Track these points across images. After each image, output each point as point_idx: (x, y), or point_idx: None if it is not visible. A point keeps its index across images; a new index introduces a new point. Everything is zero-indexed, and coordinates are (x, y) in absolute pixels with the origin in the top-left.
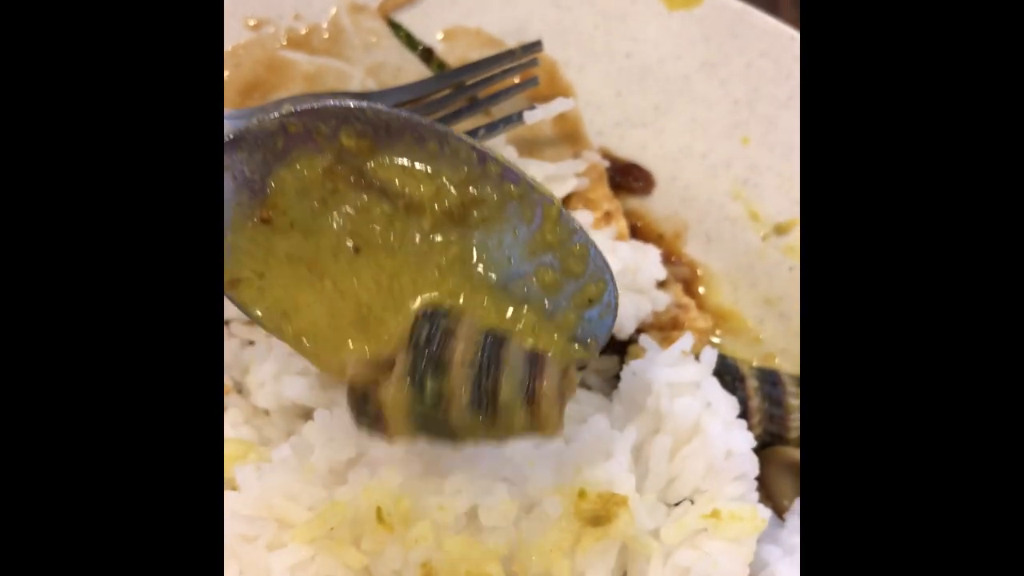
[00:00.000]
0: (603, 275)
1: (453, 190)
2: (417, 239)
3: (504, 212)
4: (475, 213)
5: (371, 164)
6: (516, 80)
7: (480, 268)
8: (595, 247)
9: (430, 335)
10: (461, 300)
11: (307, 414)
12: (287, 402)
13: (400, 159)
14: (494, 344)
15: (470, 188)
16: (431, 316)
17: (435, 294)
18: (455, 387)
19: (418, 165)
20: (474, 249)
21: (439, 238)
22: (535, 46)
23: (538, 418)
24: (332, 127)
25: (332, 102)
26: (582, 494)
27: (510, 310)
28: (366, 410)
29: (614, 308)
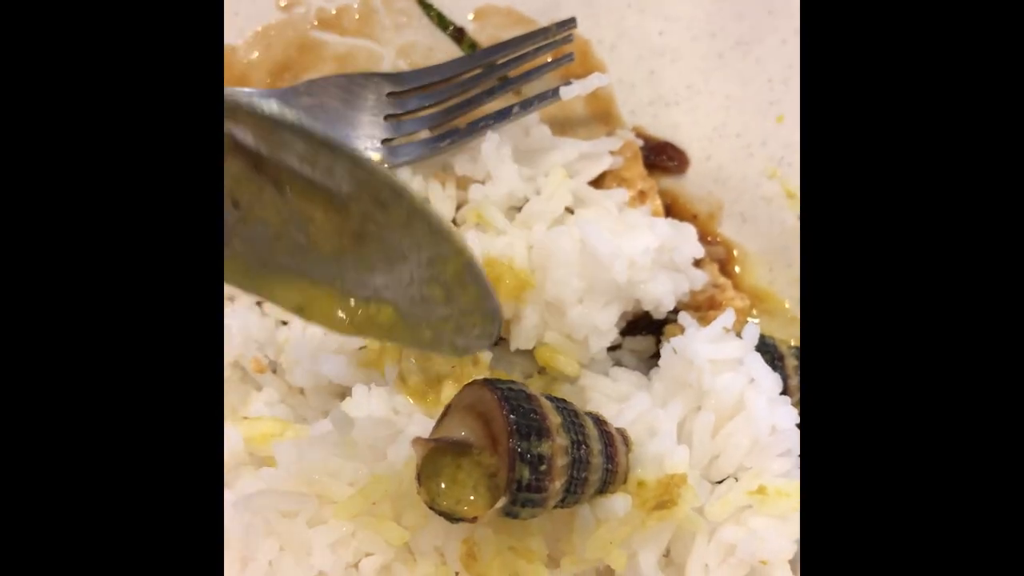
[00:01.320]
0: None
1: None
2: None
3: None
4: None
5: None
6: (549, 59)
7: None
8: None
9: (530, 478)
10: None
11: (342, 393)
12: (323, 380)
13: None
14: (580, 444)
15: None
16: (526, 446)
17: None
18: (552, 496)
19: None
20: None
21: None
22: (569, 23)
23: (615, 486)
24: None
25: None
26: (642, 484)
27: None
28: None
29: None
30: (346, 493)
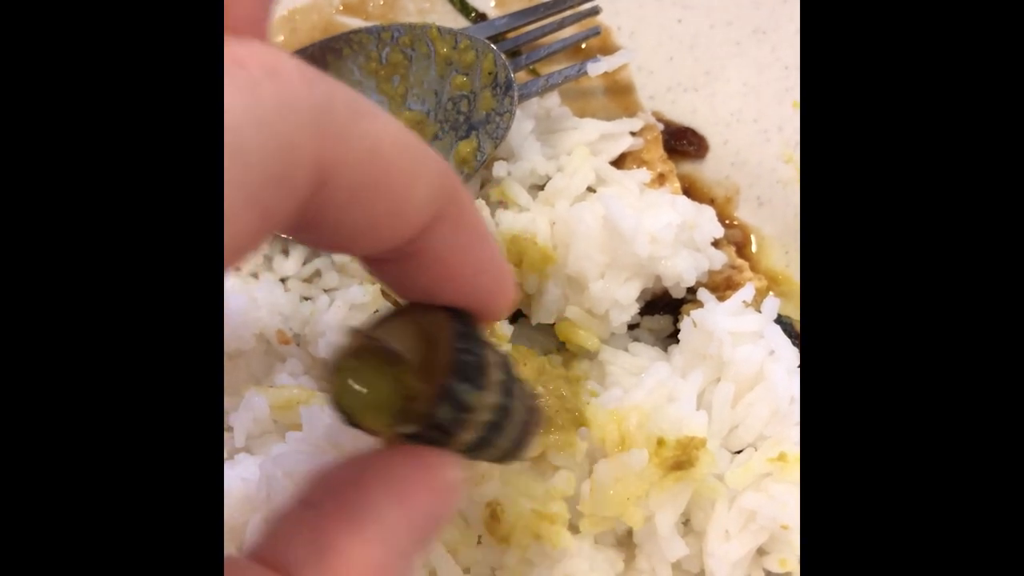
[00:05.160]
0: (487, 48)
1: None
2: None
3: (412, 63)
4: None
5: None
6: (569, 33)
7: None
8: (470, 36)
9: (446, 419)
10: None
11: None
12: None
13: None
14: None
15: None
16: (458, 389)
17: None
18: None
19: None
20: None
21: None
22: (593, 9)
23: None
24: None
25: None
26: (661, 442)
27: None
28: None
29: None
30: None
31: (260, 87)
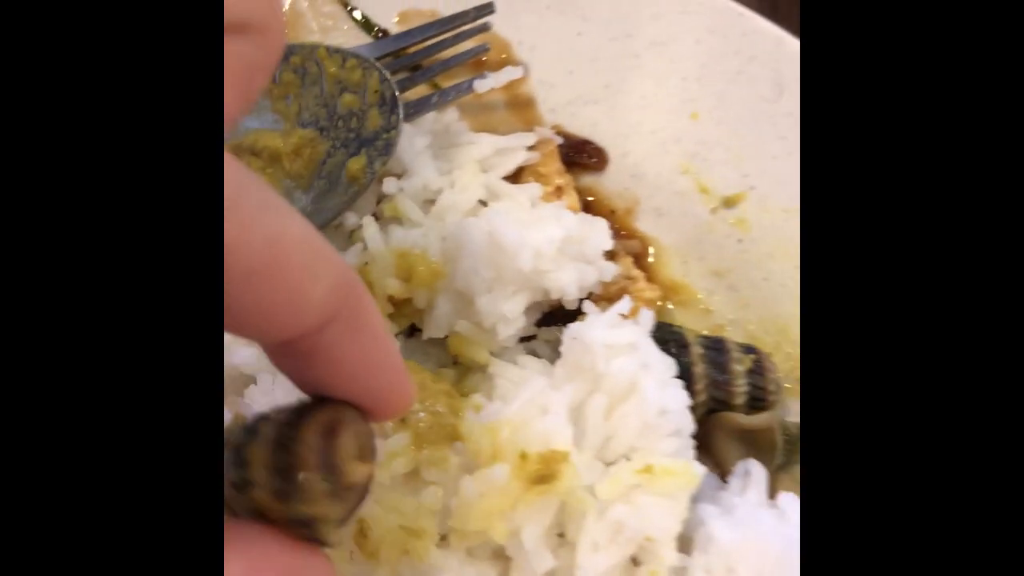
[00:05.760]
0: (373, 66)
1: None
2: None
3: (304, 82)
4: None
5: None
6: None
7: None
8: (357, 55)
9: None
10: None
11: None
12: (234, 371)
13: None
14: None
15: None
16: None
17: None
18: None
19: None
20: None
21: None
22: (487, 8)
23: None
24: None
25: None
26: (523, 456)
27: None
28: None
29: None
30: None
31: None
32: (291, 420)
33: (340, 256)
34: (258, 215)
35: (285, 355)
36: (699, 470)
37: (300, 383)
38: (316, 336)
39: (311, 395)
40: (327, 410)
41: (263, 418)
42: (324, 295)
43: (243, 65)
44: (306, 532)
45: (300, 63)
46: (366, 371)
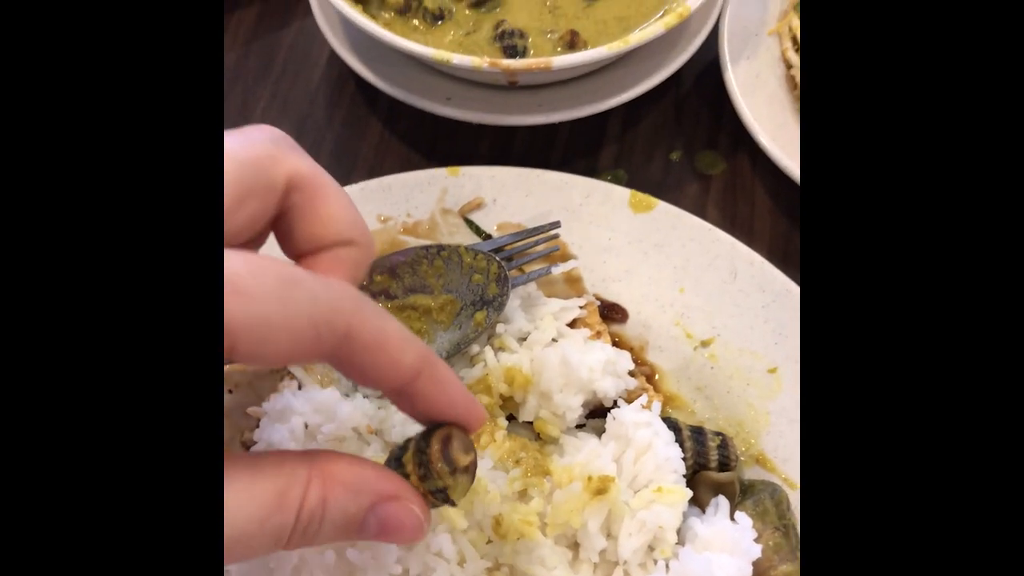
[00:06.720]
0: (493, 259)
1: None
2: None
3: (447, 267)
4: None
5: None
6: (541, 248)
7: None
8: (484, 251)
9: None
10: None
11: None
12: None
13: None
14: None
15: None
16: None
17: None
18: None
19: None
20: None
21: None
22: (555, 224)
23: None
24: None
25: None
26: (589, 479)
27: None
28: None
29: (505, 276)
30: None
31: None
32: (424, 436)
33: (421, 341)
34: (376, 317)
35: (400, 399)
36: (688, 493)
37: (415, 416)
38: (413, 384)
39: (425, 423)
40: (442, 429)
41: (409, 439)
42: (412, 361)
43: (352, 260)
44: (441, 496)
45: (447, 255)
46: (450, 403)
